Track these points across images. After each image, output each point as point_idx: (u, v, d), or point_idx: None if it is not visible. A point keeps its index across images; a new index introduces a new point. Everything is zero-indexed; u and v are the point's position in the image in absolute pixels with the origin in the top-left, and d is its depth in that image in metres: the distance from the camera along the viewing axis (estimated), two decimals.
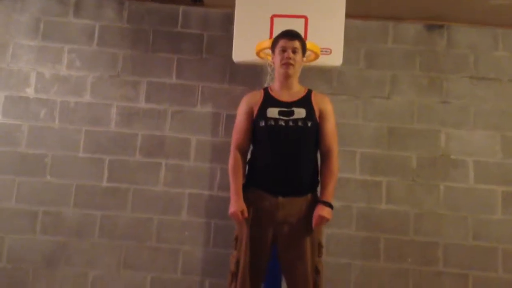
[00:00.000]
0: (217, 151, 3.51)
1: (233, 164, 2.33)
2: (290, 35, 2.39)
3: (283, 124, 2.24)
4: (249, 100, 2.39)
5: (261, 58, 2.92)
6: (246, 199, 2.29)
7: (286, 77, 2.37)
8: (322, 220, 2.27)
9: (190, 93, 3.57)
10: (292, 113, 2.27)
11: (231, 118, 3.51)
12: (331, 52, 2.98)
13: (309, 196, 2.30)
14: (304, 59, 2.57)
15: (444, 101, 3.55)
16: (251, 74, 3.55)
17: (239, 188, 2.30)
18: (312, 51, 2.76)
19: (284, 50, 2.36)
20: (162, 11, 3.63)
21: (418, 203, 3.45)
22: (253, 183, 2.32)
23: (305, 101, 2.34)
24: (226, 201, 3.42)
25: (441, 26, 3.61)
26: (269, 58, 2.87)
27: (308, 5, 3.00)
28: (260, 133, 2.30)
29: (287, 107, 2.29)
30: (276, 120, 2.25)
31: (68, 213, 3.46)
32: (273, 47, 2.44)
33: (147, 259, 3.42)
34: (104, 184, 3.48)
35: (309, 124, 2.27)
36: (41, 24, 3.62)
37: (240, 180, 2.32)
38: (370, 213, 3.44)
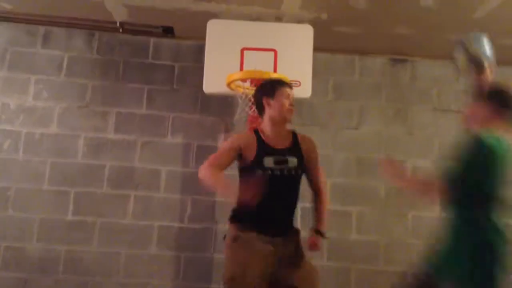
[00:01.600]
0: (188, 182, 3.47)
1: (212, 172, 2.33)
2: (289, 84, 2.52)
3: (278, 173, 2.35)
4: (240, 141, 2.43)
5: (232, 89, 2.94)
6: (241, 240, 2.35)
7: (286, 122, 2.47)
8: (316, 247, 2.44)
9: (160, 124, 3.55)
10: (286, 161, 2.38)
11: (202, 149, 3.50)
12: (300, 84, 3.03)
13: (297, 232, 2.47)
14: None
15: (409, 132, 3.65)
16: (222, 105, 3.56)
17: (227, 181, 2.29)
18: None
19: (287, 98, 2.43)
20: (133, 43, 3.64)
21: (388, 232, 3.48)
22: (247, 226, 2.37)
23: (295, 148, 2.45)
24: (197, 232, 3.41)
25: (405, 60, 3.75)
26: (240, 90, 2.90)
27: (277, 39, 3.06)
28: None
29: (281, 155, 2.39)
30: (272, 169, 2.35)
31: (31, 248, 3.31)
32: (271, 92, 2.48)
33: None
34: (69, 217, 3.37)
35: (299, 172, 2.42)
36: (7, 55, 3.55)
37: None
38: (341, 244, 3.44)
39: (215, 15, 3.21)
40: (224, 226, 3.40)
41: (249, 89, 2.91)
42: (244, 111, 2.93)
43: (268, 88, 2.49)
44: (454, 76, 3.73)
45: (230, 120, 3.57)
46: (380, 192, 3.54)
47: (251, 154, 2.37)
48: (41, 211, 3.37)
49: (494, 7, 2.93)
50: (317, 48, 3.24)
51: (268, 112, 2.44)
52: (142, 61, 3.62)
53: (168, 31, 3.55)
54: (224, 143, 2.54)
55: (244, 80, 2.92)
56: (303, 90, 3.03)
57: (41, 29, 3.59)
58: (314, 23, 3.20)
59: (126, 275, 3.34)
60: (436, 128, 3.66)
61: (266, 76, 2.76)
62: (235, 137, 2.51)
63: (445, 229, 2.00)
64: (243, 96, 2.91)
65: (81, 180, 3.43)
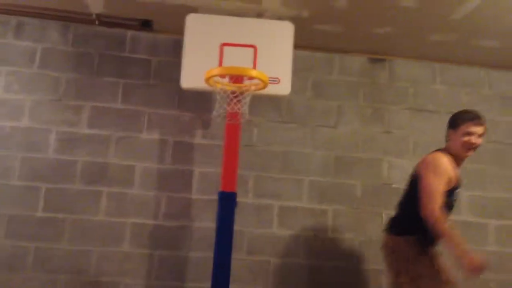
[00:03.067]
0: (163, 178, 3.41)
1: (445, 220, 2.38)
2: (479, 120, 2.53)
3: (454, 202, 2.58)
4: (451, 170, 2.50)
5: (210, 85, 2.91)
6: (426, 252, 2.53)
7: (463, 159, 2.57)
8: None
9: (136, 119, 3.47)
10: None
11: (178, 145, 3.45)
12: (279, 81, 3.02)
13: None
14: (253, 88, 2.58)
15: (386, 131, 3.68)
16: (200, 100, 3.52)
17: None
18: (260, 79, 2.78)
19: (470, 134, 2.46)
20: (109, 35, 3.54)
21: (363, 230, 3.51)
22: (423, 241, 2.52)
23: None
24: (172, 230, 3.36)
25: (383, 60, 3.77)
26: (218, 86, 2.86)
27: (257, 35, 3.04)
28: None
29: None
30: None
31: None
32: (455, 124, 2.56)
33: None
34: (39, 214, 3.28)
35: None
36: None
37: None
38: (316, 242, 3.45)
39: (194, 9, 3.16)
40: (199, 224, 3.38)
41: (227, 85, 2.88)
42: (222, 108, 2.90)
43: (454, 120, 2.57)
44: (431, 76, 3.79)
45: (208, 116, 3.52)
46: (356, 191, 3.56)
47: (449, 185, 2.47)
48: (10, 207, 3.26)
49: (472, 8, 2.97)
50: (297, 45, 3.23)
51: (449, 143, 2.53)
52: (118, 55, 3.53)
53: (146, 25, 3.47)
54: (440, 170, 2.48)
55: (223, 76, 2.88)
56: (283, 87, 3.02)
57: (13, 19, 3.47)
58: (295, 20, 3.19)
59: (97, 273, 3.27)
60: (412, 128, 3.69)
61: (245, 73, 2.74)
62: (448, 165, 2.51)
63: None
64: (222, 93, 2.88)
65: (53, 175, 3.33)
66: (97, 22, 3.48)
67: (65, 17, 3.46)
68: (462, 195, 3.61)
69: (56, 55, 3.48)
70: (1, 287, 3.17)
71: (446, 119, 3.66)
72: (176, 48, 3.52)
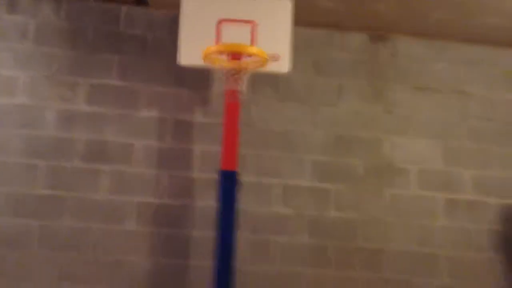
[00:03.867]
0: (164, 157, 3.38)
1: None
2: None
3: None
4: None
5: (209, 63, 2.87)
6: None
7: None
8: None
9: (134, 96, 3.43)
10: None
11: (178, 123, 3.42)
12: (278, 59, 2.97)
13: None
14: (252, 65, 2.53)
15: (388, 110, 3.63)
16: (199, 78, 3.47)
17: None
18: (259, 57, 2.74)
19: None
20: (103, 11, 3.48)
21: (365, 210, 3.48)
22: None
23: None
24: (174, 209, 3.33)
25: (385, 37, 3.71)
26: (217, 63, 2.82)
27: (256, 11, 2.99)
28: None
29: None
30: None
31: (1, 223, 3.18)
32: None
33: (88, 271, 3.21)
34: (40, 191, 3.24)
35: None
36: None
37: None
38: (319, 221, 3.42)
39: None
40: (201, 203, 3.35)
41: (226, 63, 2.84)
42: (221, 85, 2.86)
43: None
44: (433, 54, 3.73)
45: (207, 93, 3.47)
46: (359, 170, 3.52)
47: None
48: (11, 185, 3.23)
49: None
50: (297, 22, 3.18)
51: None
52: (113, 30, 3.47)
53: (141, 0, 3.41)
54: None
55: (221, 53, 2.84)
56: (282, 64, 2.97)
57: None
58: None
59: (100, 251, 3.25)
60: (415, 107, 3.65)
61: (243, 50, 2.70)
62: None
63: None
64: (220, 70, 2.84)
65: (51, 153, 3.29)
66: None
67: None
68: (465, 174, 3.58)
69: (49, 30, 3.42)
70: (2, 264, 3.16)
71: (448, 97, 3.70)
72: (173, 25, 3.46)
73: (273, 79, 3.54)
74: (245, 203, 3.39)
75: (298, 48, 3.53)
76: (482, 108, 3.69)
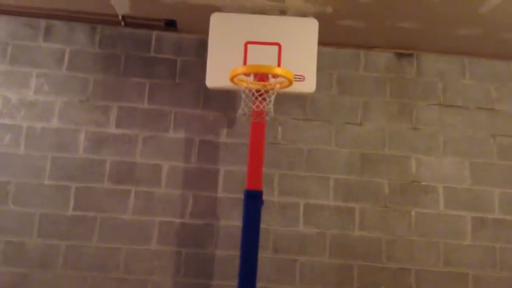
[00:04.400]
0: (189, 177, 3.45)
1: None
2: None
3: None
4: None
5: (235, 84, 2.91)
6: None
7: None
8: None
9: (162, 118, 3.51)
10: None
11: (204, 144, 3.48)
12: (304, 79, 3.00)
13: None
14: (278, 86, 2.56)
15: (414, 127, 3.61)
16: (225, 99, 3.53)
17: None
18: (285, 77, 2.77)
19: None
20: (135, 36, 3.60)
21: (390, 229, 3.46)
22: None
23: None
24: (198, 228, 3.39)
25: (410, 55, 3.70)
26: (243, 84, 2.87)
27: (281, 33, 3.03)
28: None
29: None
30: None
31: (31, 243, 3.30)
32: None
33: None
34: (70, 212, 3.36)
35: None
36: (8, 48, 3.52)
37: None
38: (343, 240, 3.43)
39: (218, 9, 3.17)
40: (225, 222, 3.40)
41: (252, 84, 2.88)
42: (247, 106, 2.90)
43: None
44: (459, 71, 3.70)
45: (233, 115, 3.53)
46: (384, 189, 3.51)
47: None
48: (41, 206, 3.35)
49: (500, 1, 2.88)
50: (322, 42, 3.21)
51: None
52: (144, 55, 3.58)
53: (170, 25, 3.50)
54: None
55: (247, 75, 2.89)
56: (308, 84, 3.00)
57: (43, 22, 3.56)
58: (319, 16, 3.17)
59: (126, 271, 3.32)
60: (441, 124, 3.62)
61: (269, 71, 2.73)
62: None
63: None
64: (247, 91, 2.88)
65: (82, 175, 3.40)
66: (123, 23, 3.54)
67: (92, 19, 3.53)
68: (493, 192, 3.52)
69: (83, 56, 3.55)
70: (33, 285, 3.26)
71: (475, 114, 3.66)
72: (201, 48, 3.55)
73: (299, 99, 3.57)
74: (269, 222, 3.42)
75: (323, 67, 3.57)
76: (510, 125, 3.63)
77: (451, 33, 3.37)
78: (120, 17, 3.46)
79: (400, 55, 3.70)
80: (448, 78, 3.69)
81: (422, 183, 3.52)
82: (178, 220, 3.40)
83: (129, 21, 3.51)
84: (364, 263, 3.40)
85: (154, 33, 3.61)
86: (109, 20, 3.51)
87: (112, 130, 3.48)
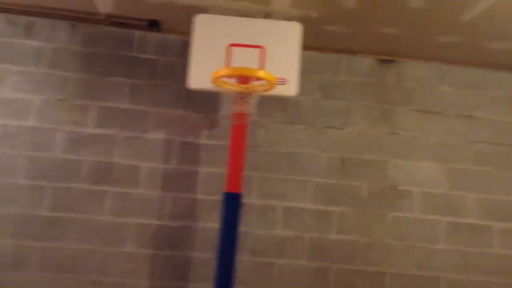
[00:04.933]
0: (168, 179, 3.43)
1: None
2: None
3: None
4: None
5: (218, 86, 2.91)
6: None
7: None
8: None
9: (143, 119, 3.48)
10: None
11: (184, 145, 3.46)
12: (287, 82, 3.01)
13: None
14: (261, 89, 2.56)
15: (393, 132, 3.66)
16: (207, 101, 3.52)
17: None
18: (268, 80, 2.78)
19: None
20: (117, 35, 3.55)
21: (368, 233, 3.50)
22: None
23: None
24: (176, 231, 3.38)
25: (391, 61, 3.75)
26: (226, 86, 2.86)
27: (265, 36, 3.03)
28: None
29: None
30: None
31: (4, 244, 3.24)
32: None
33: None
34: (45, 213, 3.30)
35: None
36: None
37: None
38: (321, 243, 3.46)
39: (203, 10, 3.15)
40: (204, 224, 3.40)
41: (235, 86, 2.88)
42: (229, 108, 2.90)
43: None
44: (439, 77, 3.76)
45: (214, 116, 3.53)
46: (363, 193, 3.55)
47: None
48: (16, 206, 3.29)
49: (483, 9, 2.93)
50: (305, 46, 3.22)
51: None
52: (126, 55, 3.54)
53: (154, 25, 3.47)
54: None
55: (230, 77, 2.88)
56: (290, 88, 3.00)
57: (23, 18, 3.47)
58: (303, 21, 3.17)
59: (101, 273, 3.29)
60: (420, 130, 3.68)
61: (252, 74, 2.73)
62: None
63: None
64: (229, 93, 2.88)
65: (58, 175, 3.35)
66: (105, 22, 3.49)
67: (73, 17, 3.46)
68: (468, 197, 3.60)
69: (64, 54, 3.48)
70: (5, 287, 3.20)
71: (453, 120, 3.73)
72: (184, 49, 3.52)
73: (282, 102, 3.58)
74: (248, 225, 3.42)
75: (306, 71, 3.58)
76: (487, 131, 3.71)
77: (433, 41, 3.42)
78: (102, 16, 3.41)
79: (381, 61, 3.74)
80: (427, 85, 3.74)
81: (400, 188, 3.58)
82: (155, 222, 3.38)
83: (112, 20, 3.46)
84: (341, 266, 3.44)
85: (137, 33, 3.56)
86: (91, 18, 3.45)
87: (91, 129, 3.43)
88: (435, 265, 3.49)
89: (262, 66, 2.94)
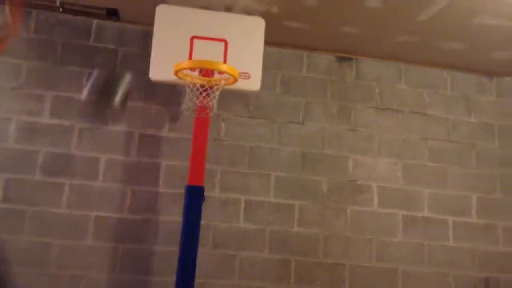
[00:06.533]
0: (129, 171, 3.35)
1: None
2: None
3: None
4: None
5: (180, 78, 2.87)
6: None
7: None
8: None
9: (101, 110, 3.39)
10: None
11: (145, 138, 3.40)
12: (249, 77, 3.02)
13: None
14: (223, 82, 2.56)
15: (352, 129, 3.74)
16: (168, 93, 3.47)
17: None
18: (231, 74, 2.78)
19: None
20: (73, 23, 3.44)
21: (327, 226, 3.56)
22: None
23: None
24: (137, 224, 3.31)
25: (350, 59, 3.83)
26: (188, 79, 2.83)
27: (228, 30, 3.03)
28: None
29: None
30: None
31: None
32: None
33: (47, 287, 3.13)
34: None
35: None
36: None
37: None
38: (282, 236, 3.48)
39: (163, 0, 3.11)
40: (165, 218, 3.35)
41: (197, 79, 2.86)
42: (191, 101, 2.87)
43: None
44: (396, 76, 3.88)
45: (176, 109, 3.48)
46: (322, 187, 3.61)
47: None
48: None
49: (437, 11, 3.05)
50: (267, 41, 3.24)
51: None
52: (83, 44, 3.43)
53: (112, 14, 3.38)
54: None
55: (193, 69, 2.86)
56: (252, 82, 3.02)
57: None
58: (265, 16, 3.19)
59: (59, 267, 3.18)
60: (377, 126, 3.77)
61: (215, 67, 2.72)
62: None
63: None
64: (191, 86, 2.85)
65: (12, 166, 3.21)
66: (61, 10, 3.37)
67: (27, 3, 3.32)
68: (423, 192, 3.72)
69: (17, 42, 3.34)
70: None
71: (409, 118, 3.85)
72: (144, 40, 3.46)
73: (244, 96, 3.59)
74: (210, 218, 3.41)
75: (268, 66, 3.60)
76: (441, 129, 3.85)
77: (390, 40, 3.52)
78: (58, 3, 3.30)
79: (341, 59, 3.82)
80: (385, 83, 3.85)
81: (358, 182, 3.66)
82: (115, 215, 3.29)
83: (68, 8, 3.35)
84: (302, 258, 3.48)
85: (95, 22, 3.46)
86: (46, 5, 3.32)
87: (47, 120, 3.31)
88: (392, 257, 3.59)
89: (225, 60, 2.94)
